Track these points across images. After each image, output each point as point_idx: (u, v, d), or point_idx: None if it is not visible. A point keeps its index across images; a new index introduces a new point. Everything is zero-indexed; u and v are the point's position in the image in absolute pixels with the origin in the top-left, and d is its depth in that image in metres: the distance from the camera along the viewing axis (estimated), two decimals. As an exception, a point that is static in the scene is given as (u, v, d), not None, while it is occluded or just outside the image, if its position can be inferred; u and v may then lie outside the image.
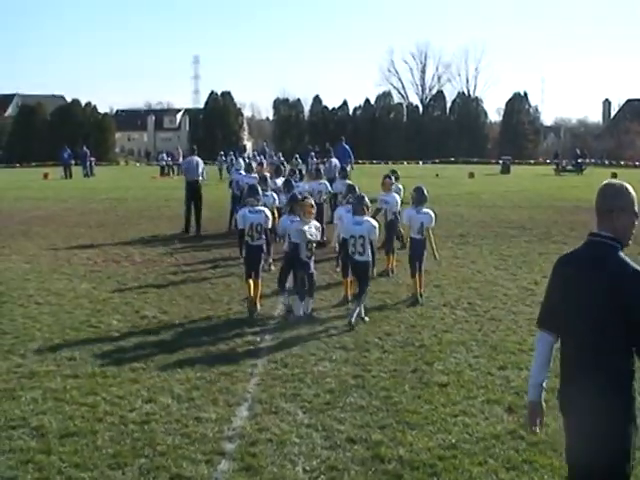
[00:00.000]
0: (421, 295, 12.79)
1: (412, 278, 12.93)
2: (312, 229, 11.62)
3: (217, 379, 8.70)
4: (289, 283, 12.19)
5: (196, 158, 22.67)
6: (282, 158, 48.06)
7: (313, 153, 46.65)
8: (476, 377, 8.74)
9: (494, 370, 9.01)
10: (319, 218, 14.08)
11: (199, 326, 11.19)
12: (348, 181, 17.61)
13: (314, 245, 11.69)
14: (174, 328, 11.07)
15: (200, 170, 22.37)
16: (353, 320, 11.08)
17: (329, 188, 19.69)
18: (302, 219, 11.63)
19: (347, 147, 32.06)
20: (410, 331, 10.86)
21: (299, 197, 12.27)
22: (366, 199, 11.78)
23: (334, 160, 27.20)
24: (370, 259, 11.46)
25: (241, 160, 27.18)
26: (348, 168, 25.55)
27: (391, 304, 12.38)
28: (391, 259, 15.17)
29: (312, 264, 11.68)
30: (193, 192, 22.14)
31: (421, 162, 79.18)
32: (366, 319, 11.38)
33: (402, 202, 16.14)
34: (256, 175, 20.06)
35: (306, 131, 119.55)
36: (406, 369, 9.07)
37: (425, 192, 13.10)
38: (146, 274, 15.38)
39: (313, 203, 11.97)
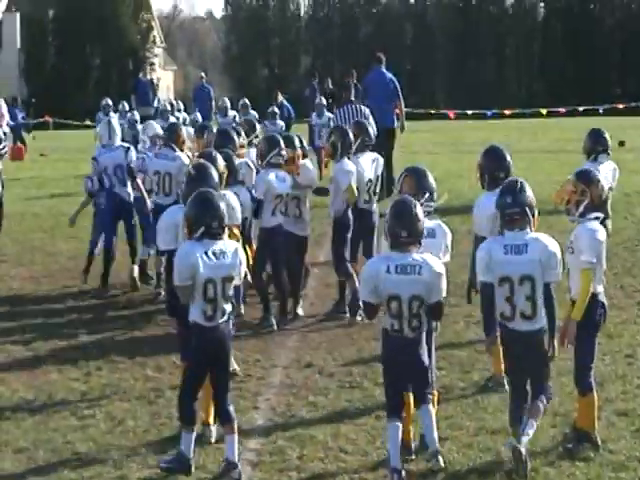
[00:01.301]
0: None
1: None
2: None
3: None
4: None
5: None
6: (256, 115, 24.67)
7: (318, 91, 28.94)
8: None
9: None
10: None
11: None
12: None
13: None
14: None
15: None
16: (522, 448, 6.86)
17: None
18: None
19: (390, 76, 19.12)
20: None
21: None
22: (525, 188, 7.19)
23: (358, 108, 16.83)
24: (545, 326, 7.13)
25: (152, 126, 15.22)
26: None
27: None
28: None
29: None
30: None
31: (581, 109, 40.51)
32: None
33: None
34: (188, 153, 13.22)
35: (301, 46, 78.14)
36: None
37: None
38: None
39: None
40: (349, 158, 11.54)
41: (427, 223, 7.53)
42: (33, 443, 7.90)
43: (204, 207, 7.15)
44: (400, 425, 7.02)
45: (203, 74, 33.35)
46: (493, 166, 9.10)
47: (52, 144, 35.01)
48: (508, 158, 9.21)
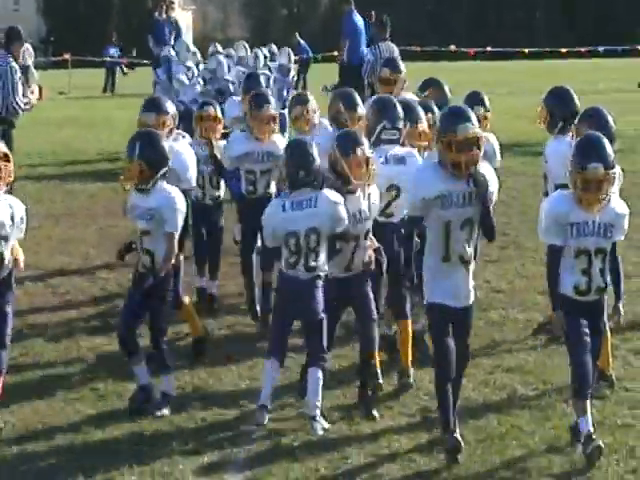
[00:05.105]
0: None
1: None
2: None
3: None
4: None
5: None
6: None
7: None
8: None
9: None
10: None
11: None
12: None
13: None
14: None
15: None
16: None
17: None
18: None
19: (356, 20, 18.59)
20: None
21: None
22: None
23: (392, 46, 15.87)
24: None
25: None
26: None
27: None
28: None
29: None
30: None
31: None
32: None
33: None
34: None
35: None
36: None
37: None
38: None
39: None
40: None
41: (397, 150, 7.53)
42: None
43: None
44: (278, 363, 6.97)
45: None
46: (567, 109, 8.29)
47: (71, 82, 34.89)
48: (577, 100, 8.45)
